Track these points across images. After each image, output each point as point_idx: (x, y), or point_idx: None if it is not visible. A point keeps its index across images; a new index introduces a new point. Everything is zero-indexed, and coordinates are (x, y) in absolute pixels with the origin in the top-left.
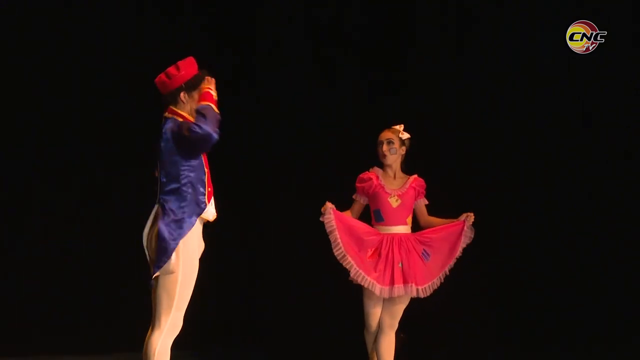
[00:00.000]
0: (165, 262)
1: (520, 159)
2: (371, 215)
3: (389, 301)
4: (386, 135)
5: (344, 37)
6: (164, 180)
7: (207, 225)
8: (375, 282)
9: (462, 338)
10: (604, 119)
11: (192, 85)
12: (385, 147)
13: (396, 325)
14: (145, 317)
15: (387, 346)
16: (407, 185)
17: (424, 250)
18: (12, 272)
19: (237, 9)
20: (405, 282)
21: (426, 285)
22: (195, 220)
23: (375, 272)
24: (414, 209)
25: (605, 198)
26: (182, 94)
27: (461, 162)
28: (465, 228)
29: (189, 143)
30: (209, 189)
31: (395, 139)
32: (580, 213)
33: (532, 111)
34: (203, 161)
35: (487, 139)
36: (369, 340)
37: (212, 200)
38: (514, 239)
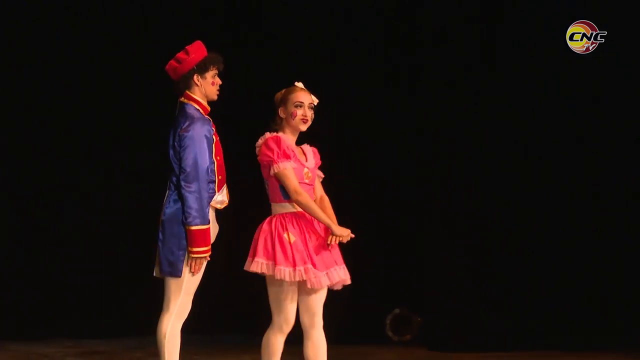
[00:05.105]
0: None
1: (520, 158)
2: (275, 192)
3: (304, 295)
4: (308, 97)
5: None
6: (175, 166)
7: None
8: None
9: (462, 338)
10: (604, 119)
11: (204, 67)
12: (308, 113)
13: (321, 323)
14: (151, 303)
15: (320, 349)
16: (313, 155)
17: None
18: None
19: (240, 7)
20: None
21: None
22: None
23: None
24: None
25: (606, 198)
26: (195, 77)
27: (461, 161)
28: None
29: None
30: (220, 177)
31: (313, 104)
32: (580, 213)
33: (532, 111)
34: (213, 151)
35: (487, 138)
36: (275, 343)
37: (224, 189)
38: (514, 239)
